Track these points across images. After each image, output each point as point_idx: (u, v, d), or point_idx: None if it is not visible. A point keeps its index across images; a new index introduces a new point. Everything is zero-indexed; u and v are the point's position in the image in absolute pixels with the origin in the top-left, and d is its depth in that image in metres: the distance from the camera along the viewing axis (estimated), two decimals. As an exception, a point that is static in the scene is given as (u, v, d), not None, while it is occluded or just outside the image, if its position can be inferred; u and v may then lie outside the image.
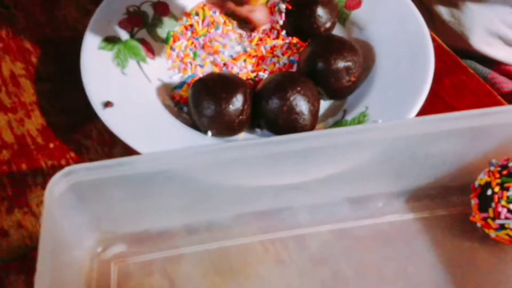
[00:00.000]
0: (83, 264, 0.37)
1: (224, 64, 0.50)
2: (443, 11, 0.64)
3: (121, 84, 0.45)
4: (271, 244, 0.39)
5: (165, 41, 0.50)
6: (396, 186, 0.40)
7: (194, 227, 0.39)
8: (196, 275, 0.38)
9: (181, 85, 0.48)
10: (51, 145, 0.46)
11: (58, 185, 0.32)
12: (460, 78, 0.49)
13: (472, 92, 0.48)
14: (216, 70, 0.49)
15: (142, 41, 0.49)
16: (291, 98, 0.42)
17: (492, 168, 0.37)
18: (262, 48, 0.50)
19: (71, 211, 0.34)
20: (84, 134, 0.47)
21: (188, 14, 0.52)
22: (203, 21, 0.51)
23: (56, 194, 0.32)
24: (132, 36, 0.49)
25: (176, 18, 0.52)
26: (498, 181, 0.36)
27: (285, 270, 0.38)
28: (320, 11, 0.48)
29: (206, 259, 0.39)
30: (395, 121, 0.37)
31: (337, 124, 0.44)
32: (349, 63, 0.44)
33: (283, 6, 0.49)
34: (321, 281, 0.37)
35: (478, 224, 0.38)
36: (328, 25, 0.49)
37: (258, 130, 0.45)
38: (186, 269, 0.38)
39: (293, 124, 0.42)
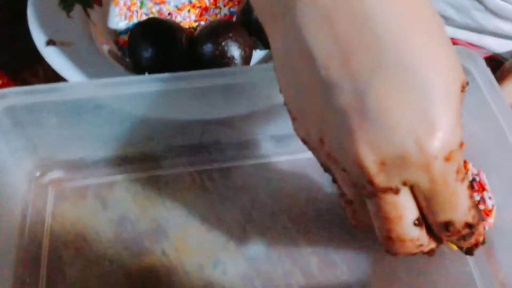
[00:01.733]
0: (20, 187, 0.40)
1: (169, 14, 0.52)
2: None
3: (65, 26, 0.48)
4: (198, 175, 0.43)
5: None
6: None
7: (128, 157, 0.43)
8: (127, 198, 0.41)
9: (126, 31, 0.51)
10: (0, 82, 0.49)
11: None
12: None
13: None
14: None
15: (90, -12, 0.52)
16: (223, 43, 0.45)
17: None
18: (206, 0, 0.53)
19: (6, 135, 0.37)
20: (31, 73, 0.49)
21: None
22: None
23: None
24: (80, -18, 0.51)
25: (125, -32, 0.54)
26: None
27: (209, 196, 0.41)
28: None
29: (137, 186, 0.42)
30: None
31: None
32: (281, 13, 0.48)
33: None
34: (240, 207, 0.41)
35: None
36: (267, -21, 0.52)
37: (195, 73, 0.49)
38: (118, 194, 0.41)
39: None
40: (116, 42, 0.50)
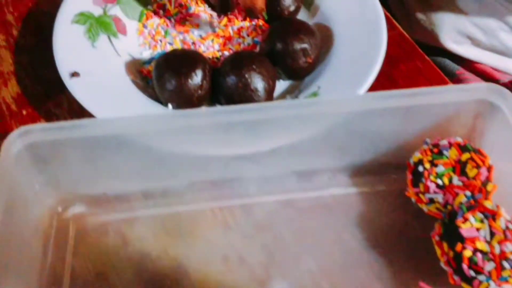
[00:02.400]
0: (42, 222, 0.40)
1: (193, 43, 0.52)
2: (417, 9, 0.66)
3: (90, 56, 0.48)
4: (220, 211, 0.42)
5: (138, 18, 0.53)
6: (341, 162, 0.43)
7: (149, 192, 0.42)
8: (148, 235, 0.41)
9: (150, 60, 0.51)
10: (24, 112, 0.49)
11: (15, 144, 0.35)
12: (416, 64, 0.51)
13: (426, 78, 0.50)
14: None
15: (115, 18, 0.52)
16: (246, 75, 0.45)
17: (425, 147, 0.39)
18: (229, 29, 0.52)
19: (28, 170, 0.37)
20: (56, 104, 0.49)
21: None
22: (175, 0, 0.54)
23: (13, 153, 0.34)
24: (105, 12, 0.52)
25: (150, -3, 0.54)
26: (429, 158, 0.38)
27: (230, 234, 0.41)
28: (284, -5, 0.50)
29: (158, 222, 0.41)
30: (335, 98, 0.40)
31: (291, 102, 0.47)
32: (306, 45, 0.47)
33: None
34: (262, 245, 0.40)
35: (413, 199, 0.40)
36: (292, 8, 0.51)
37: (218, 105, 0.48)
38: (140, 230, 0.41)
39: (248, 100, 0.45)
40: (140, 72, 0.50)
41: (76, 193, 0.41)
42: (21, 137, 0.35)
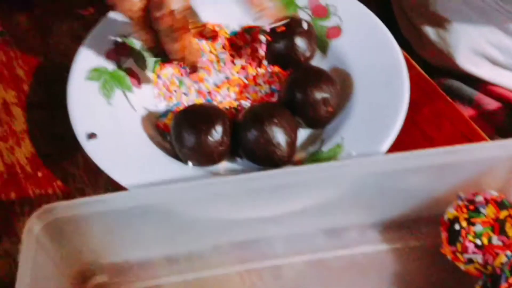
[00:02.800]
0: (64, 294, 0.39)
1: (208, 92, 0.51)
2: (430, 31, 0.65)
3: (106, 114, 0.47)
4: (247, 274, 0.40)
5: (152, 69, 0.52)
6: (369, 218, 0.41)
7: (174, 258, 0.41)
8: (173, 305, 0.39)
9: (166, 113, 0.50)
10: (39, 174, 0.48)
11: (36, 224, 0.33)
12: (438, 106, 0.50)
13: (449, 121, 0.48)
14: (201, 98, 0.51)
15: (129, 71, 0.51)
16: (268, 130, 0.43)
17: (459, 202, 0.38)
18: (242, 76, 0.51)
19: (50, 246, 0.36)
20: (71, 162, 0.48)
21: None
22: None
23: (34, 233, 0.33)
24: (119, 66, 0.51)
25: (163, 47, 0.53)
26: (465, 215, 0.37)
27: (260, 300, 0.39)
28: (299, 42, 0.49)
29: (184, 288, 0.40)
30: (364, 159, 0.39)
31: (314, 154, 0.45)
32: (326, 94, 0.46)
33: (263, 38, 0.51)
34: (294, 312, 0.38)
35: (449, 257, 0.39)
36: (307, 54, 0.50)
37: (238, 159, 0.47)
38: (165, 299, 0.39)
39: (270, 155, 0.44)
40: (157, 126, 0.49)
41: (97, 262, 0.40)
42: (43, 215, 0.34)
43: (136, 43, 0.52)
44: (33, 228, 0.33)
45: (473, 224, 0.36)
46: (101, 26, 0.52)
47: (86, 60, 0.50)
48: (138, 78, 0.51)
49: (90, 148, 0.44)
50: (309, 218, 0.40)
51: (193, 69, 0.51)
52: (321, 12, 0.52)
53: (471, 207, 0.37)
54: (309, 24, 0.50)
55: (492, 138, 0.49)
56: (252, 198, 0.38)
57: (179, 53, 0.47)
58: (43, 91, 0.54)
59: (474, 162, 0.37)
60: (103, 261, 0.40)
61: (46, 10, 0.59)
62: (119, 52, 0.51)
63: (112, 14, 0.52)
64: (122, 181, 0.42)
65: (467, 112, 0.62)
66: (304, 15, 0.52)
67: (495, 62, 0.63)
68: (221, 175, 0.45)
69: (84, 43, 0.51)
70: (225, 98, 0.50)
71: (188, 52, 0.47)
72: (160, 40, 0.46)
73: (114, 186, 0.45)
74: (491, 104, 0.63)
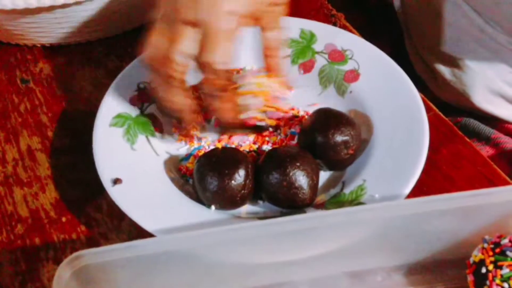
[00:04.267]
0: None
1: (228, 136, 0.52)
2: (445, 71, 0.66)
3: (130, 160, 0.48)
4: (273, 319, 0.40)
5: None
6: (394, 260, 0.41)
7: (198, 302, 0.41)
8: None
9: (187, 157, 0.50)
10: (63, 219, 0.48)
11: (66, 271, 0.34)
12: (457, 147, 0.50)
13: (469, 161, 0.49)
14: (222, 142, 0.51)
15: (151, 116, 0.52)
16: (291, 174, 0.44)
17: (485, 245, 0.38)
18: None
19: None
20: (95, 207, 0.49)
21: (194, 87, 0.55)
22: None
23: (64, 280, 0.34)
24: (142, 111, 0.52)
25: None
26: (492, 259, 0.37)
27: None
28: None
29: (209, 334, 0.40)
30: (389, 203, 0.39)
31: (336, 197, 0.46)
32: (347, 137, 0.46)
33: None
34: None
35: (476, 300, 0.38)
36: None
37: (260, 201, 0.47)
38: None
39: (293, 198, 0.44)
40: (179, 170, 0.50)
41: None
42: (72, 262, 0.34)
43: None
44: (62, 275, 0.34)
45: (500, 267, 0.36)
46: (125, 73, 0.53)
47: (111, 106, 0.51)
48: (160, 122, 0.52)
49: (115, 194, 0.45)
50: (333, 261, 0.40)
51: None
52: (338, 56, 0.53)
53: (497, 250, 0.37)
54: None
55: (511, 177, 0.49)
56: (276, 242, 0.38)
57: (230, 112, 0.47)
58: (66, 137, 0.55)
59: (498, 205, 0.37)
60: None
61: (69, 58, 0.61)
62: (142, 98, 0.53)
63: (136, 62, 0.53)
64: (146, 226, 0.43)
65: (485, 150, 0.62)
66: (322, 60, 0.54)
67: (511, 101, 0.63)
68: (243, 218, 0.46)
69: (108, 90, 0.52)
70: (244, 142, 0.51)
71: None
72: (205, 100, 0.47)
73: (137, 231, 0.46)
74: (509, 142, 0.63)
